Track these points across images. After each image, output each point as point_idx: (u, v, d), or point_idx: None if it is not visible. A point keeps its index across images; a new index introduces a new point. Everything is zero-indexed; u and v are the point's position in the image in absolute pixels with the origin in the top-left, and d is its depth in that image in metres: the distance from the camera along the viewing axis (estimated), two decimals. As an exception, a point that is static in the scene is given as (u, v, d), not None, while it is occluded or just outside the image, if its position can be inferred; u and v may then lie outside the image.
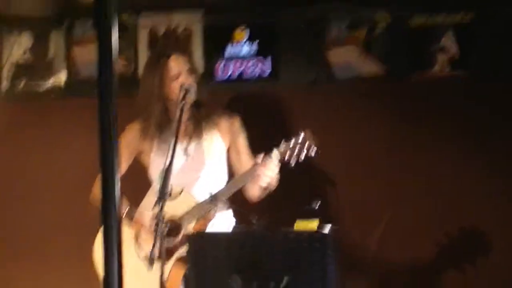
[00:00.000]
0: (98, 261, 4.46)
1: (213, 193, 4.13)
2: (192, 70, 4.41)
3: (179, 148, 4.31)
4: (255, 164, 4.10)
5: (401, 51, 5.20)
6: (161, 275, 3.46)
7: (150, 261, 3.45)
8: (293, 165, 4.01)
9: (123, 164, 4.50)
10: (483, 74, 5.04)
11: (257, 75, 5.38)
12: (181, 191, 3.98)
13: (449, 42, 5.12)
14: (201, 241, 3.38)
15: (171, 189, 3.62)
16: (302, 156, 3.96)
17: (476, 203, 4.96)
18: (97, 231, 4.00)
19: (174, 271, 4.02)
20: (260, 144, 4.23)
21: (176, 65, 4.37)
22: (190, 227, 4.09)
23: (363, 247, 5.12)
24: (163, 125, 4.35)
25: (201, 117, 4.39)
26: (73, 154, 5.47)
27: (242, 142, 4.47)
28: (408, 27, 5.19)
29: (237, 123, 4.48)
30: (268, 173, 4.04)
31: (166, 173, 3.62)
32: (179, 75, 4.34)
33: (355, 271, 5.10)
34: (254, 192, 4.31)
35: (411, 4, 5.17)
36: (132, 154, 4.50)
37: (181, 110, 3.96)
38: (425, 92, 5.12)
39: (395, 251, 5.04)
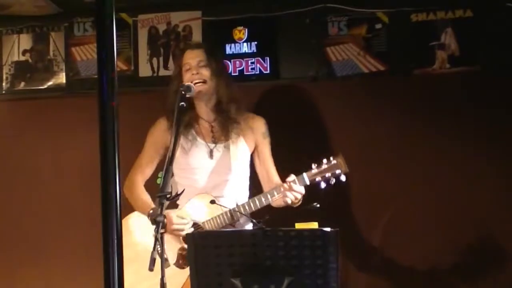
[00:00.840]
0: None
1: (236, 207, 4.14)
2: (206, 64, 4.38)
3: (205, 149, 4.29)
4: (282, 185, 4.12)
5: (401, 48, 5.20)
6: (162, 278, 3.44)
7: (151, 261, 3.43)
8: (323, 188, 4.03)
9: (152, 162, 4.49)
10: (483, 70, 5.04)
11: (257, 73, 5.38)
12: (181, 192, 3.95)
13: (448, 38, 5.12)
14: (202, 240, 3.37)
15: (171, 190, 3.59)
16: (332, 182, 4.00)
17: (477, 196, 4.96)
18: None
19: None
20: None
21: (188, 56, 4.40)
22: None
23: (367, 243, 5.12)
24: (190, 121, 4.36)
25: (228, 118, 4.37)
26: (74, 153, 5.48)
27: (267, 147, 4.47)
28: (408, 23, 5.19)
29: (262, 126, 4.47)
30: (294, 195, 4.08)
31: (166, 171, 3.59)
32: (190, 66, 4.36)
33: (358, 267, 5.10)
34: (277, 203, 4.28)
35: (411, 1, 5.16)
36: (160, 150, 4.45)
37: (179, 110, 3.90)
38: (425, 88, 5.11)
39: (400, 247, 5.04)
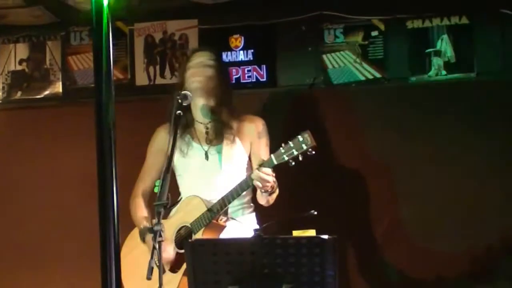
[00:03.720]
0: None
1: (215, 201, 4.13)
2: (209, 64, 4.37)
3: (200, 152, 4.30)
4: (251, 172, 4.10)
5: (397, 55, 5.21)
6: (160, 286, 3.43)
7: (149, 270, 3.43)
8: (292, 164, 3.98)
9: (152, 170, 4.48)
10: (479, 77, 5.04)
11: (254, 80, 5.39)
12: (180, 199, 3.96)
13: (444, 45, 5.13)
14: (201, 248, 3.37)
15: (169, 197, 3.58)
16: (300, 157, 3.94)
17: (476, 202, 4.96)
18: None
19: (185, 280, 3.98)
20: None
21: (193, 58, 4.41)
22: (199, 235, 4.08)
23: (365, 250, 5.13)
24: (187, 124, 4.35)
25: (223, 120, 4.36)
26: (71, 161, 5.48)
27: (262, 146, 4.39)
28: (403, 31, 5.20)
29: (260, 126, 4.43)
30: (263, 176, 4.02)
31: (164, 179, 3.59)
32: (192, 66, 4.36)
33: (356, 275, 5.10)
34: (260, 199, 4.27)
35: (406, 8, 5.17)
36: (161, 157, 4.29)
37: (176, 117, 3.90)
38: (421, 95, 5.12)
39: (399, 254, 5.04)
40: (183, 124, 4.29)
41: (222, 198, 4.13)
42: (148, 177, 4.49)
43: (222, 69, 4.49)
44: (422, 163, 5.07)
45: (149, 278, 3.43)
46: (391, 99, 5.15)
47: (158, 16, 5.56)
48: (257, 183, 4.04)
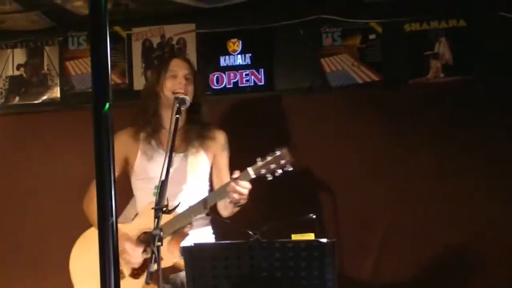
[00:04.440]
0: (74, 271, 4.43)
1: (186, 209, 4.10)
2: (190, 78, 4.35)
3: (162, 157, 4.26)
4: (229, 181, 4.05)
5: (395, 58, 5.21)
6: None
7: (148, 275, 3.41)
8: (269, 179, 3.98)
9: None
10: (477, 79, 5.05)
11: (252, 84, 5.39)
12: (178, 205, 3.95)
13: (442, 48, 5.13)
14: (199, 253, 3.37)
15: (168, 203, 3.57)
16: (277, 173, 3.93)
17: (471, 209, 4.96)
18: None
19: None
20: (254, 155, 4.18)
21: (176, 64, 4.37)
22: (166, 241, 4.04)
23: (362, 254, 5.12)
24: (154, 129, 4.33)
25: (191, 129, 4.34)
26: (69, 166, 5.47)
27: (224, 159, 4.42)
28: (401, 34, 5.21)
29: (222, 138, 4.42)
30: (239, 190, 4.00)
31: (162, 185, 3.57)
32: (176, 75, 4.32)
33: (355, 278, 5.10)
34: (223, 209, 4.29)
35: (404, 11, 5.18)
36: (120, 161, 4.35)
37: (176, 122, 3.90)
38: (419, 98, 5.12)
39: (397, 258, 5.03)
40: (149, 130, 4.29)
41: (194, 206, 4.11)
42: None
43: (199, 82, 4.47)
44: (421, 166, 5.07)
45: (147, 283, 3.42)
46: (390, 102, 5.15)
47: (156, 20, 5.56)
48: (233, 196, 4.02)
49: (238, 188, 3.98)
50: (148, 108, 4.35)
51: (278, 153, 3.92)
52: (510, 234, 4.91)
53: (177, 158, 4.29)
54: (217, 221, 4.34)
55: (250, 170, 3.99)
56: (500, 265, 4.91)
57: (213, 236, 4.41)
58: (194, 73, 4.42)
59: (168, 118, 4.25)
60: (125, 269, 4.19)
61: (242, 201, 4.09)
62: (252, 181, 4.01)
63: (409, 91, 5.17)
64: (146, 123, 4.34)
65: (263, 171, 3.94)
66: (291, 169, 3.91)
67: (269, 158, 3.93)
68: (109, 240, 2.31)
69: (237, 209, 4.20)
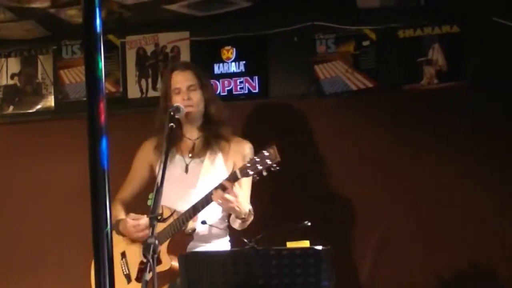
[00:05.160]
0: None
1: (179, 214, 4.10)
2: (195, 86, 4.35)
3: (182, 164, 4.29)
4: (213, 189, 4.03)
5: (389, 64, 5.22)
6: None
7: (143, 284, 3.41)
8: (257, 178, 3.97)
9: (132, 181, 4.50)
10: (471, 85, 5.05)
11: (246, 92, 5.39)
12: (173, 212, 3.95)
13: (436, 54, 5.14)
14: (195, 261, 3.37)
15: (162, 210, 3.57)
16: (264, 173, 3.92)
17: (468, 211, 4.96)
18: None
19: None
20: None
21: (177, 79, 4.37)
22: (163, 247, 4.06)
23: (359, 260, 5.12)
24: (170, 140, 4.32)
25: (211, 135, 4.35)
26: (64, 175, 5.47)
27: None
28: (395, 40, 5.21)
29: (246, 149, 4.36)
30: (226, 197, 3.98)
31: (157, 192, 3.57)
32: (180, 90, 4.33)
33: (351, 284, 5.09)
34: (233, 223, 4.28)
35: (397, 17, 5.18)
36: (143, 169, 4.48)
37: (170, 130, 3.91)
38: (414, 104, 5.13)
39: (393, 263, 5.03)
40: (172, 139, 4.29)
41: (190, 208, 4.10)
42: (128, 187, 4.53)
43: (207, 87, 4.46)
44: (416, 172, 5.07)
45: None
46: (384, 109, 5.16)
47: (150, 28, 5.56)
48: (218, 202, 4.02)
49: (223, 194, 3.97)
50: (165, 121, 4.32)
51: (265, 153, 3.91)
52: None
53: (193, 163, 4.34)
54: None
55: (237, 171, 3.99)
56: (504, 266, 4.91)
57: (229, 244, 4.40)
58: (199, 78, 4.41)
59: (187, 127, 4.40)
60: (132, 272, 4.20)
61: (234, 209, 4.06)
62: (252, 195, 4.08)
63: (403, 98, 5.17)
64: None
65: (250, 171, 3.93)
66: (277, 168, 3.89)
67: (256, 159, 3.92)
68: (104, 249, 2.31)
69: (245, 223, 4.19)
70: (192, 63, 4.98)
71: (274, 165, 3.86)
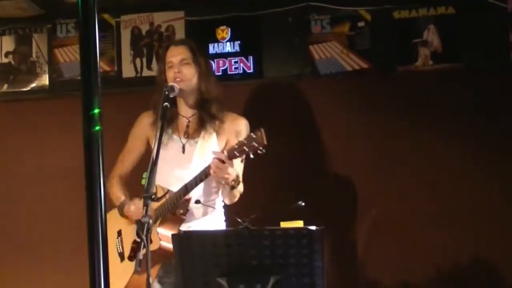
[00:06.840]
0: None
1: (169, 192, 4.09)
2: (187, 60, 4.32)
3: (178, 144, 4.30)
4: (208, 165, 4.02)
5: (384, 45, 5.22)
6: (148, 278, 3.42)
7: (137, 262, 3.41)
8: (243, 158, 3.99)
9: (131, 154, 4.50)
10: (466, 67, 5.06)
11: (240, 72, 5.38)
12: (167, 192, 3.94)
13: (431, 36, 5.14)
14: (188, 241, 3.37)
15: (157, 190, 3.58)
16: (251, 155, 3.91)
17: (463, 193, 4.98)
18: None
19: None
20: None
21: (171, 54, 4.35)
22: (154, 227, 4.04)
23: (352, 241, 5.14)
24: (169, 118, 4.30)
25: (207, 115, 4.33)
26: (58, 154, 5.46)
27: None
28: (390, 21, 5.21)
29: (240, 126, 4.34)
30: (220, 166, 3.96)
31: (151, 172, 3.57)
32: (172, 63, 4.31)
33: (344, 265, 5.11)
34: (224, 195, 4.28)
35: (393, -2, 5.19)
36: (140, 142, 4.48)
37: (164, 109, 3.91)
38: (408, 85, 5.13)
39: (386, 245, 5.05)
40: (168, 118, 4.27)
41: (182, 187, 4.10)
42: (126, 160, 4.51)
43: (202, 63, 4.40)
44: (410, 155, 5.08)
45: (137, 270, 3.42)
46: (379, 90, 5.16)
47: (145, 8, 5.54)
48: (213, 173, 4.00)
49: (218, 164, 3.95)
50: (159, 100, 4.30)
51: (253, 135, 3.90)
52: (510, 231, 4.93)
53: (190, 143, 4.32)
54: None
55: (225, 152, 3.98)
56: (503, 264, 4.93)
57: (225, 223, 4.39)
58: (193, 53, 4.37)
59: (181, 104, 4.36)
60: (126, 251, 4.21)
61: (229, 181, 4.05)
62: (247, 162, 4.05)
63: (398, 79, 5.18)
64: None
65: (236, 153, 3.92)
66: (264, 151, 3.87)
67: (244, 141, 3.91)
68: (98, 230, 2.31)
69: (233, 194, 4.19)
70: (189, 39, 4.93)
71: (261, 148, 3.85)
